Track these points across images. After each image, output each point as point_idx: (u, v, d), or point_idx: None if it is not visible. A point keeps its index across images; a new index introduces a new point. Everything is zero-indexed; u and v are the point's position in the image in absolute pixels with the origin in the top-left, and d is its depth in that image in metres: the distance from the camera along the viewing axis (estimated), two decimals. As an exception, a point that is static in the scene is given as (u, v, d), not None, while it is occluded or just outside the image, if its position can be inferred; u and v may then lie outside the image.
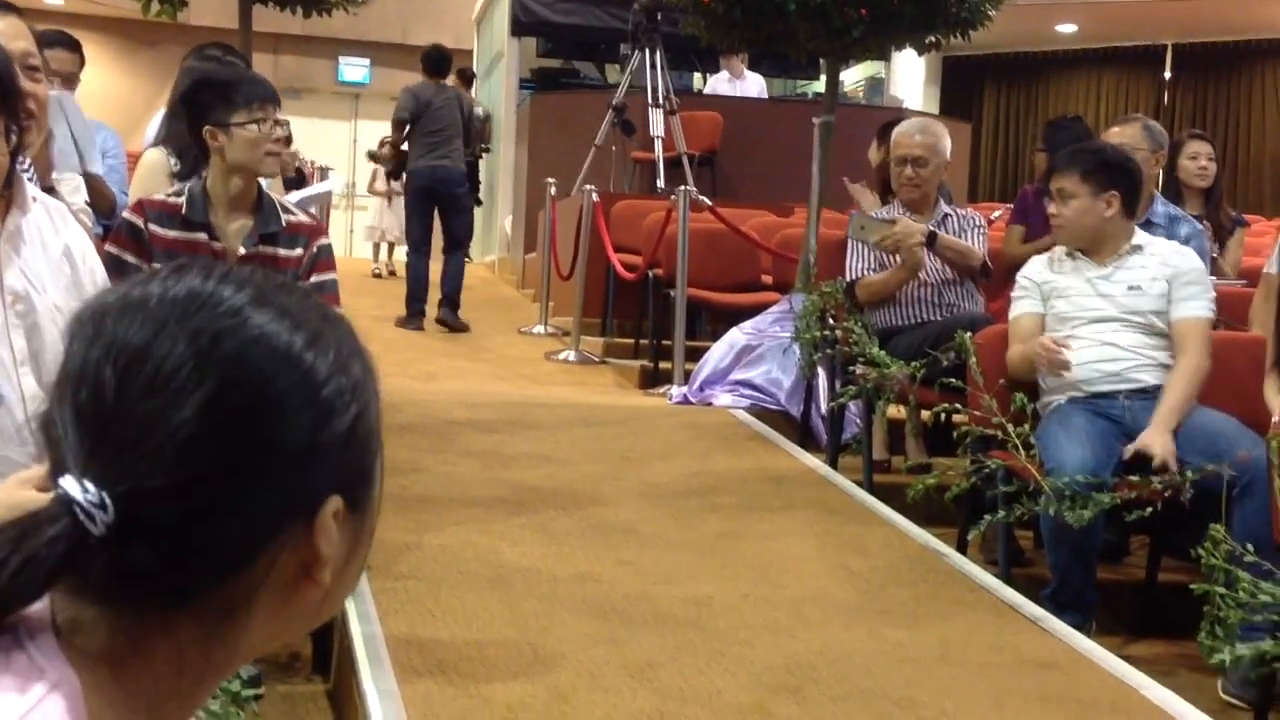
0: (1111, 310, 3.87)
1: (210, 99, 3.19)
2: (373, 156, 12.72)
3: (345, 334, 0.85)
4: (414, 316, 8.56)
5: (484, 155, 12.52)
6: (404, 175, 8.98)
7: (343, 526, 0.82)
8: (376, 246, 12.66)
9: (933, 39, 6.09)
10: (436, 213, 8.76)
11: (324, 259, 3.26)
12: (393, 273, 11.88)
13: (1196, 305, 3.86)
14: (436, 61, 8.92)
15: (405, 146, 8.78)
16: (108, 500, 0.74)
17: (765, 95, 11.34)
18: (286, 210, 3.26)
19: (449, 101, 8.74)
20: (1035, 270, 4.06)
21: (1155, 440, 3.60)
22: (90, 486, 0.74)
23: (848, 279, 4.92)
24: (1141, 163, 4.64)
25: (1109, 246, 3.94)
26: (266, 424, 0.77)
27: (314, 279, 3.24)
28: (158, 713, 0.80)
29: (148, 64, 14.91)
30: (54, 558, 0.74)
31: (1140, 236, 3.99)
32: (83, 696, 0.76)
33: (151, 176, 3.81)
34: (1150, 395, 3.75)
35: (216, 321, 0.78)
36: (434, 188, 8.56)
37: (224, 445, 0.76)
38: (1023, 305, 4.03)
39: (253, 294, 0.81)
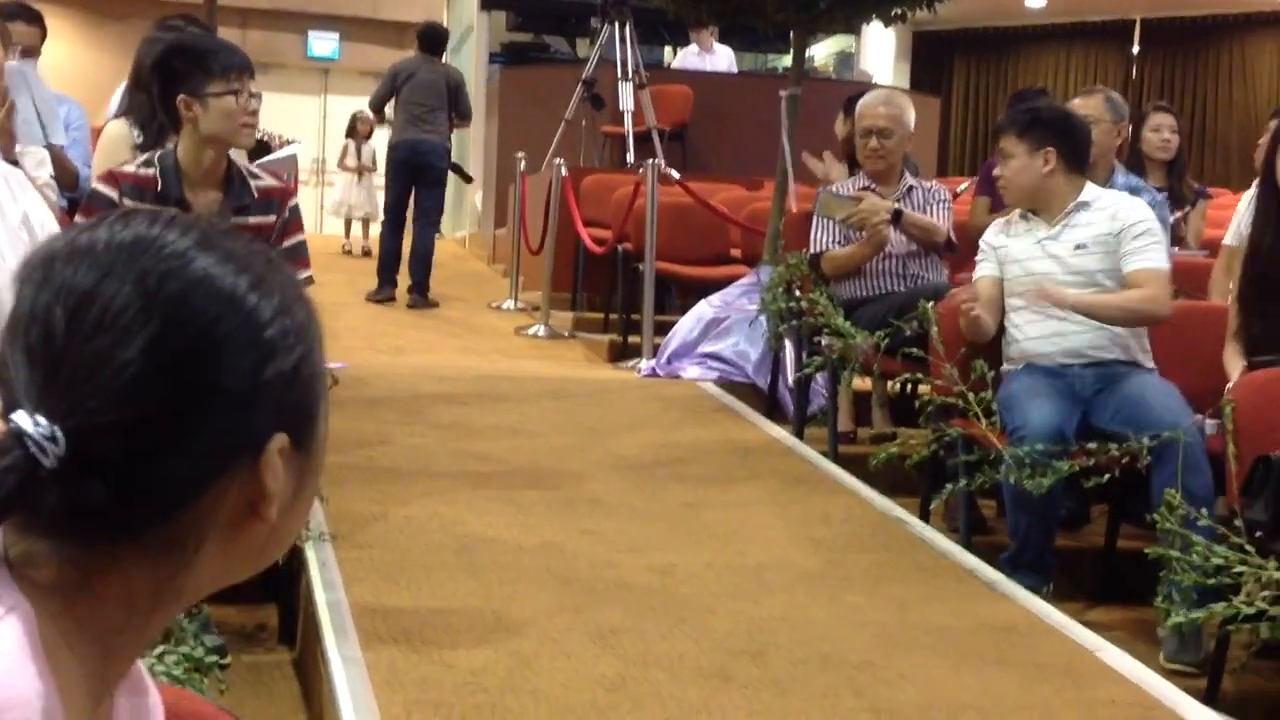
0: (1059, 273, 3.87)
1: (184, 67, 3.08)
2: (351, 129, 12.52)
3: (288, 280, 0.87)
4: (384, 287, 8.53)
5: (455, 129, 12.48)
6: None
7: (288, 464, 0.85)
8: (347, 223, 12.15)
9: (899, 12, 6.11)
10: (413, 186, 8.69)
11: (294, 221, 3.25)
12: (367, 252, 11.30)
13: (1149, 256, 3.80)
14: (431, 40, 8.84)
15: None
16: (58, 433, 0.76)
17: (734, 68, 11.34)
18: (255, 175, 3.24)
19: (436, 75, 8.62)
20: (992, 234, 4.08)
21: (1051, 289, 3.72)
22: (42, 420, 0.76)
23: (812, 251, 4.95)
24: (1104, 134, 4.68)
25: (1055, 204, 3.93)
26: (210, 362, 0.80)
27: (285, 243, 3.24)
28: (108, 644, 0.82)
29: (115, 38, 14.77)
30: (6, 488, 0.76)
31: (1089, 191, 3.95)
32: (36, 623, 0.78)
33: (114, 148, 3.79)
34: (1107, 366, 3.78)
35: (162, 264, 0.80)
36: (413, 159, 8.43)
37: (169, 383, 0.78)
38: (982, 269, 4.05)
39: (198, 238, 0.83)
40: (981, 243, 4.10)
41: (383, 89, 8.68)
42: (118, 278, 0.79)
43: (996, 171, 4.05)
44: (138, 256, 0.80)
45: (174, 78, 3.09)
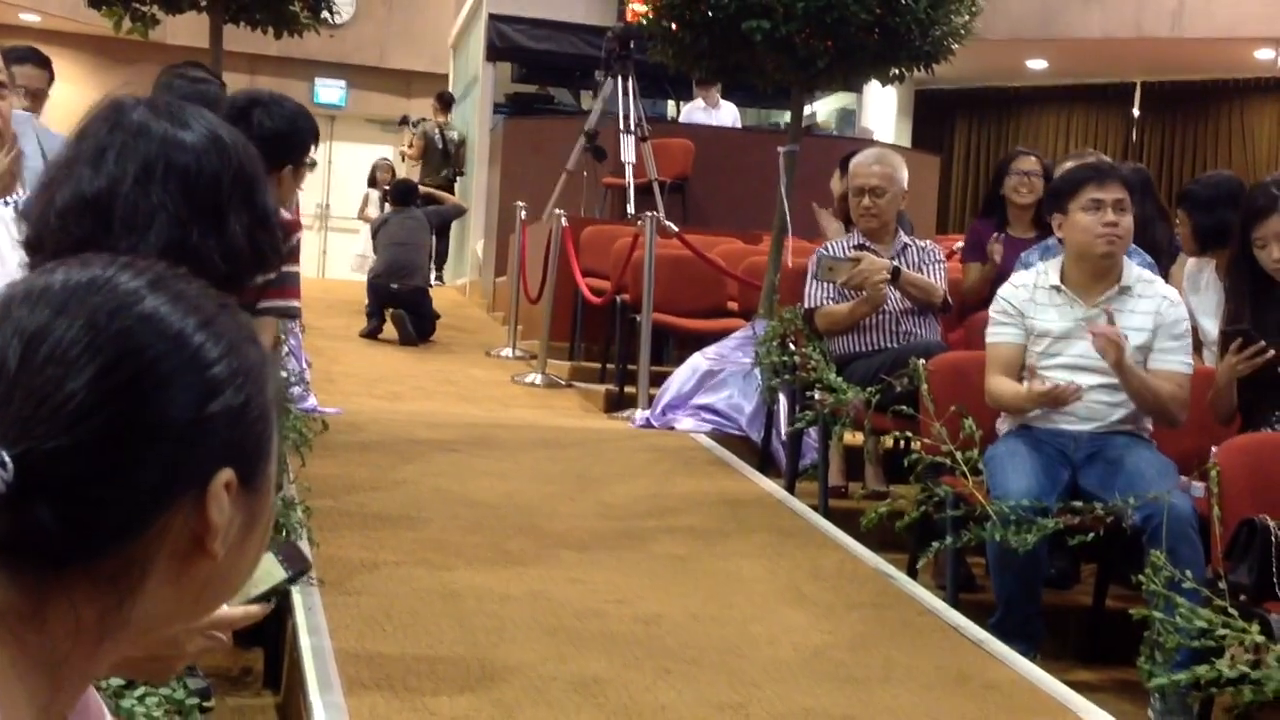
0: (1096, 359, 3.73)
1: None
2: (372, 179, 12.24)
3: (241, 324, 0.91)
4: (371, 316, 9.03)
5: (458, 178, 12.59)
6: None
7: (235, 500, 0.87)
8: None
9: (897, 71, 6.17)
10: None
11: (293, 252, 3.34)
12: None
13: (1181, 359, 3.78)
14: (403, 193, 9.66)
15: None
16: (7, 459, 0.79)
17: (739, 124, 11.43)
18: None
19: (410, 222, 9.24)
20: (1016, 296, 3.89)
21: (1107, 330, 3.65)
22: None
23: (806, 306, 4.98)
24: None
25: (1108, 279, 3.82)
26: (154, 396, 0.83)
27: (285, 269, 3.30)
28: (55, 674, 0.84)
29: (122, 81, 14.89)
30: None
31: (1128, 274, 3.83)
32: None
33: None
34: (1104, 433, 3.76)
35: (113, 302, 0.85)
36: (388, 300, 8.96)
37: (114, 413, 0.81)
38: (1004, 332, 3.88)
39: (150, 279, 0.87)
40: (1004, 302, 3.91)
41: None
42: (70, 315, 0.83)
43: (1111, 218, 3.74)
44: (91, 295, 0.84)
45: None
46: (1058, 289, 3.85)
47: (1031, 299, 3.87)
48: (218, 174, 1.63)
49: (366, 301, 9.18)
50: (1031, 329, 3.85)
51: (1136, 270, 3.90)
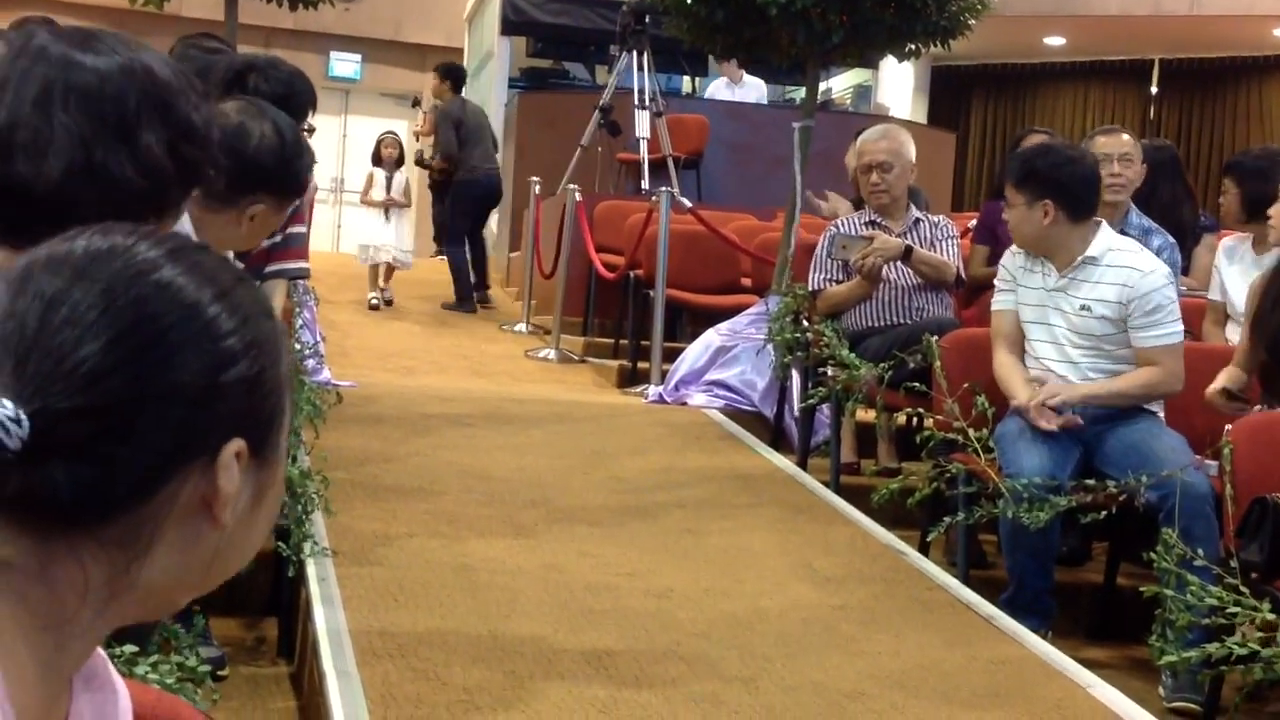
0: (1065, 330, 3.79)
1: None
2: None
3: (258, 297, 0.92)
4: (464, 300, 9.22)
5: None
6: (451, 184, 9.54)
7: (245, 470, 0.89)
8: (374, 271, 9.27)
9: (913, 47, 6.14)
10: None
11: (298, 213, 3.35)
12: (389, 303, 9.28)
13: (1161, 332, 3.73)
14: (460, 78, 9.90)
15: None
16: (22, 416, 0.80)
17: (765, 100, 11.34)
18: None
19: (478, 111, 9.49)
20: (1013, 262, 3.94)
21: (1059, 386, 3.68)
22: (8, 403, 0.81)
23: (810, 289, 4.98)
24: (1138, 174, 4.62)
25: (1062, 254, 3.82)
26: (167, 363, 0.85)
27: (289, 230, 3.32)
28: (60, 634, 0.86)
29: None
30: None
31: (1100, 242, 3.80)
32: None
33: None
34: (1112, 415, 3.78)
35: (130, 269, 0.86)
36: (490, 193, 9.28)
37: (127, 377, 0.83)
38: (1004, 299, 3.93)
39: (168, 250, 0.89)
40: (1002, 270, 3.97)
41: (451, 134, 9.36)
42: (89, 280, 0.85)
43: (1004, 215, 3.97)
44: (110, 262, 0.86)
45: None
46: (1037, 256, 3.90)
47: (1023, 266, 3.93)
48: (122, 91, 1.59)
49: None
50: (1022, 298, 3.90)
51: (1110, 240, 3.85)
